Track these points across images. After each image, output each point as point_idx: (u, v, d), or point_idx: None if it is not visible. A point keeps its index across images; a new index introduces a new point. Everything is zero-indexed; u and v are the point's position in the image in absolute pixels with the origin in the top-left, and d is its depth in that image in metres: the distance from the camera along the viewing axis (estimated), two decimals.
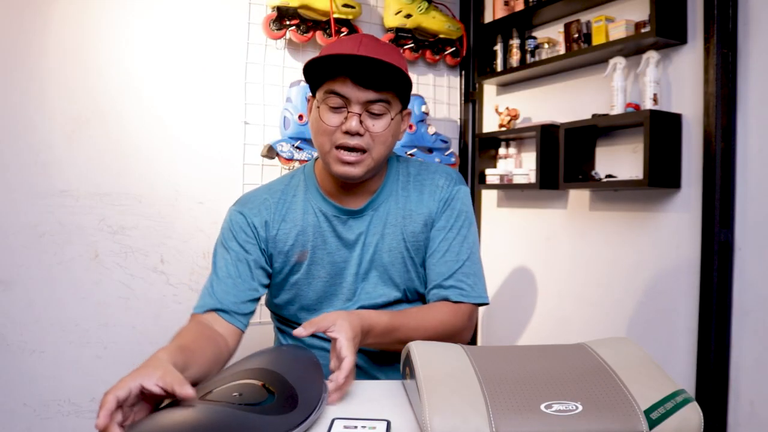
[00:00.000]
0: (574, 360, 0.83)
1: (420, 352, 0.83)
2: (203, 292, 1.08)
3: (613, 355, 0.83)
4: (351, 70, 1.01)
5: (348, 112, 1.02)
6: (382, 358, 1.13)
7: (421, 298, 1.18)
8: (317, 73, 1.05)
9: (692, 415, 0.73)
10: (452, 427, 0.69)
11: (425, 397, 0.72)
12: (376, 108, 1.03)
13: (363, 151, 1.04)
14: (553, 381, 0.77)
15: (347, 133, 1.02)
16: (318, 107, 1.05)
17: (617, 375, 0.78)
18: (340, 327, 0.89)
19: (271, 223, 1.11)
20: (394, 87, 1.04)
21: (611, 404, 0.73)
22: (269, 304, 1.22)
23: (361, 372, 1.12)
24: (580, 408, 0.72)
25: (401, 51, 1.01)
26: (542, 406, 0.72)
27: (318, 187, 1.14)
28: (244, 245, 1.10)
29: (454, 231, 1.13)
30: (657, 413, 0.73)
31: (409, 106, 1.16)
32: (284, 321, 1.21)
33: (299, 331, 0.89)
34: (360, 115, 1.02)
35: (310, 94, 1.11)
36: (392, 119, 1.05)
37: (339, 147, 1.03)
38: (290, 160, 2.08)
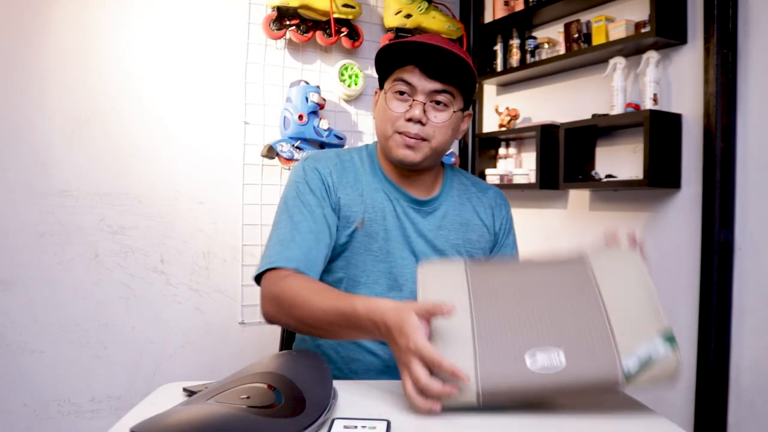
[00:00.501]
0: (570, 292, 0.84)
1: (425, 281, 0.90)
2: (278, 246, 1.04)
3: (609, 277, 0.84)
4: (420, 59, 1.05)
5: (413, 100, 1.06)
6: None
7: None
8: (388, 63, 1.10)
9: (669, 363, 0.75)
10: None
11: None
12: (440, 99, 1.07)
13: (423, 140, 1.08)
14: (543, 325, 0.79)
15: (410, 120, 1.06)
16: (385, 95, 1.10)
17: (608, 315, 0.80)
18: None
19: (340, 185, 1.12)
20: (459, 82, 1.08)
21: (593, 355, 0.76)
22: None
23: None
24: (564, 362, 0.75)
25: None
26: (527, 356, 0.76)
27: (381, 169, 1.17)
28: (321, 201, 1.10)
29: (516, 247, 1.27)
30: (635, 364, 0.74)
31: None
32: None
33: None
34: (424, 104, 1.06)
35: (378, 87, 1.16)
36: (454, 113, 1.09)
37: (401, 133, 1.07)
38: (290, 160, 2.08)
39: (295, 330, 1.03)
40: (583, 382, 0.74)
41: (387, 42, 1.08)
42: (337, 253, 1.12)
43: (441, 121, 1.07)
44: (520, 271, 0.93)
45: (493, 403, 0.76)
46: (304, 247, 1.04)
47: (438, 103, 1.07)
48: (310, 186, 1.10)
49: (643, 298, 0.81)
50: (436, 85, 1.06)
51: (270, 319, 1.03)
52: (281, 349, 1.40)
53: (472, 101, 1.14)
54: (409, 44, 1.05)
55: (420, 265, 0.95)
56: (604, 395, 0.79)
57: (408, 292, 1.12)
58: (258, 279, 1.05)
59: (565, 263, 0.90)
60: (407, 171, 1.14)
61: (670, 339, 0.76)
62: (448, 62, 1.05)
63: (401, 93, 1.07)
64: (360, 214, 1.11)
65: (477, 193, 1.23)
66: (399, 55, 1.07)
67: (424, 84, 1.06)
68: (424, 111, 1.06)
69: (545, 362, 0.75)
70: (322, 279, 1.12)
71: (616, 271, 0.86)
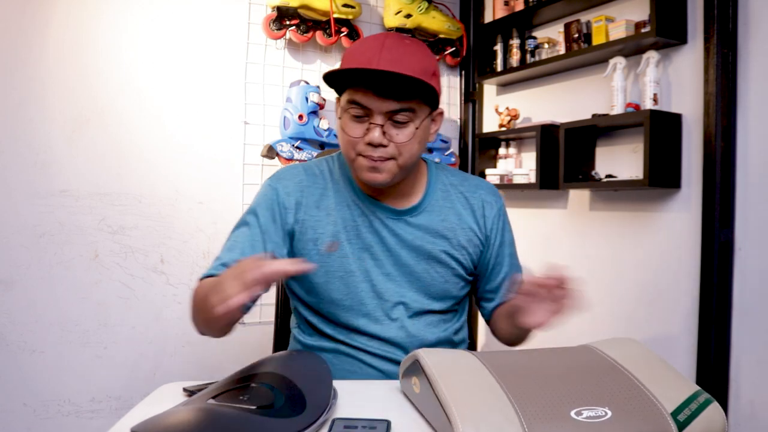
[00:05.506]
0: (587, 362, 0.82)
1: (431, 360, 0.79)
2: (216, 260, 1.05)
3: (622, 356, 0.82)
4: (371, 81, 0.97)
5: (370, 123, 0.99)
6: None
7: (456, 303, 1.16)
8: (339, 79, 1.02)
9: (716, 416, 0.74)
10: None
11: (453, 409, 0.69)
12: (400, 117, 0.99)
13: (389, 159, 1.01)
14: (574, 386, 0.75)
15: (370, 144, 0.99)
16: (341, 116, 1.03)
17: (635, 377, 0.77)
18: None
19: (303, 206, 1.08)
20: (418, 94, 1.00)
21: (638, 408, 0.73)
22: (294, 300, 1.16)
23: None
24: (610, 414, 0.71)
25: (427, 48, 1.03)
26: (572, 413, 0.70)
27: (353, 180, 1.11)
28: (266, 225, 1.06)
29: (512, 246, 1.21)
30: (683, 415, 0.72)
31: None
32: (307, 321, 1.14)
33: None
34: (383, 125, 0.99)
35: (338, 95, 1.07)
36: (417, 128, 1.01)
37: (364, 156, 1.01)
38: (290, 160, 2.09)
39: (205, 328, 1.01)
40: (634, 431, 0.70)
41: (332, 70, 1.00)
42: (316, 278, 1.08)
43: (404, 138, 1.00)
44: (527, 353, 0.87)
45: None
46: (232, 259, 1.02)
47: (398, 120, 0.99)
48: (261, 206, 1.07)
49: (665, 370, 0.80)
50: (392, 105, 0.98)
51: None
52: (274, 350, 1.39)
53: (438, 101, 1.07)
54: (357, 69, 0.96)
55: (421, 356, 0.82)
56: None
57: (398, 311, 1.08)
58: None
59: (568, 349, 0.88)
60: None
61: (708, 398, 0.76)
62: (402, 79, 0.95)
63: (357, 116, 1.00)
64: (329, 235, 1.07)
65: (465, 192, 1.16)
66: (349, 75, 0.99)
67: (379, 105, 0.98)
68: (384, 132, 0.99)
69: (591, 415, 0.71)
70: (309, 307, 1.11)
71: (622, 349, 0.85)
